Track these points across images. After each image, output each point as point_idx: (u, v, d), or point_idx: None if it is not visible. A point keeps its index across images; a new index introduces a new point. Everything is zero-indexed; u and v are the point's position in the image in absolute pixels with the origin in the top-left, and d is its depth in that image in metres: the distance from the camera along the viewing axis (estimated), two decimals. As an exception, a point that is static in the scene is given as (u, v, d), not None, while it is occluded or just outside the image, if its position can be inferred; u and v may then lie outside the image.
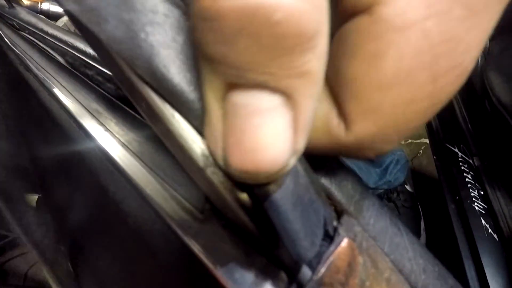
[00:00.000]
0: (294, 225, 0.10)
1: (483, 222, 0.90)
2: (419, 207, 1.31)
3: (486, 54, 1.07)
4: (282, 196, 0.10)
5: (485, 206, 0.92)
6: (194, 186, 0.15)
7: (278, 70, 0.08)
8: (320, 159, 0.15)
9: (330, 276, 0.10)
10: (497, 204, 0.90)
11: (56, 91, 0.32)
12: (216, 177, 0.11)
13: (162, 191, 0.16)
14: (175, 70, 0.10)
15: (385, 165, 1.27)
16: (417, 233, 1.21)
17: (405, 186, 1.37)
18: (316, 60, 0.08)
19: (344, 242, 0.11)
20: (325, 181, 0.14)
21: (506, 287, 0.80)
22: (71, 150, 0.28)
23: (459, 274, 0.85)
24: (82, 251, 0.26)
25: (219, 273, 0.11)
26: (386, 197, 1.29)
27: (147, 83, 0.10)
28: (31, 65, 0.43)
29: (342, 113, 0.10)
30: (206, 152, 0.11)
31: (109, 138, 0.21)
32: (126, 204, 0.19)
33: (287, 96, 0.09)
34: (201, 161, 0.11)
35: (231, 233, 0.12)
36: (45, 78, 0.36)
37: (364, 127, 0.10)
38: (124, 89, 0.12)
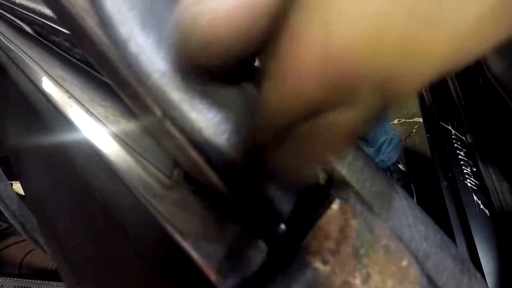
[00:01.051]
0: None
1: (475, 198, 0.90)
2: (412, 185, 1.32)
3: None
4: None
5: (477, 182, 0.93)
6: (162, 150, 0.13)
7: None
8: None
9: (318, 243, 0.08)
10: (489, 180, 0.90)
11: (22, 62, 0.29)
12: (175, 129, 0.09)
13: (127, 157, 0.14)
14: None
15: (378, 144, 1.27)
16: (409, 211, 1.23)
17: (398, 165, 1.38)
18: None
19: (336, 204, 0.09)
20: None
21: (496, 261, 0.82)
22: (41, 125, 0.26)
23: (450, 250, 0.86)
24: (55, 233, 0.24)
25: (188, 245, 0.10)
26: (379, 176, 1.30)
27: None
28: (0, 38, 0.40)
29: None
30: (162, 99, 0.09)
31: (72, 104, 0.18)
32: (94, 178, 0.17)
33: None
34: (158, 110, 0.09)
35: (202, 199, 0.10)
36: (11, 50, 0.33)
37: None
38: (86, 49, 0.10)
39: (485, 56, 0.93)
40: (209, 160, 0.08)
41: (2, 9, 0.45)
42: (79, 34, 0.10)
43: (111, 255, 0.17)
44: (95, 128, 0.16)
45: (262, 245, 0.09)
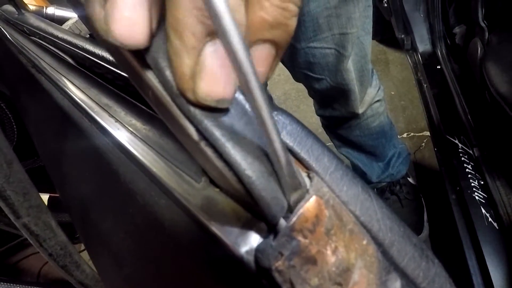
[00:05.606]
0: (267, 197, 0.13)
1: (483, 211, 0.91)
2: (422, 199, 1.31)
3: (486, 45, 1.07)
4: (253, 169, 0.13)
5: (485, 195, 0.93)
6: (193, 161, 0.18)
7: None
8: (302, 138, 0.18)
9: (300, 224, 0.13)
10: (496, 194, 0.91)
11: (68, 89, 0.35)
12: (208, 148, 0.13)
13: (166, 168, 0.18)
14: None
15: (387, 159, 1.28)
16: (420, 225, 1.22)
17: (408, 179, 1.38)
18: None
19: (313, 199, 0.13)
20: (304, 155, 0.17)
21: (506, 274, 0.82)
22: (84, 142, 0.31)
23: (460, 263, 0.87)
24: (99, 231, 0.28)
25: (213, 228, 0.14)
26: (389, 189, 1.30)
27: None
28: (44, 67, 0.47)
29: None
30: (199, 129, 0.13)
31: (119, 127, 0.24)
32: (135, 184, 0.22)
33: None
34: (195, 136, 0.13)
35: (224, 197, 0.15)
36: (57, 78, 0.39)
37: None
38: (134, 82, 0.15)
39: (489, 71, 0.95)
40: (232, 171, 0.13)
41: (45, 42, 0.52)
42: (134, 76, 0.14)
43: (150, 246, 0.22)
44: (139, 146, 0.21)
45: (264, 226, 0.13)
